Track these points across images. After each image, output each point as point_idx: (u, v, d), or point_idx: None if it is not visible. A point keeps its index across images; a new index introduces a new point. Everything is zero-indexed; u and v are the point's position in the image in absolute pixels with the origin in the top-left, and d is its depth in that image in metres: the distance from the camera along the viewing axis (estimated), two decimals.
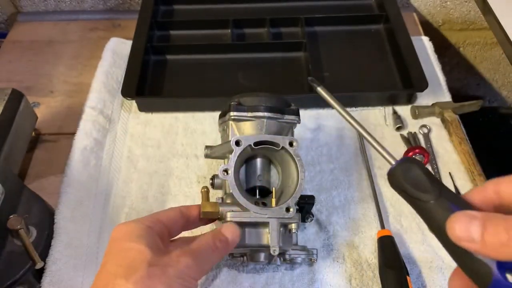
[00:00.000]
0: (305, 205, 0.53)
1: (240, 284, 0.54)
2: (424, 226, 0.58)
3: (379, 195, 0.61)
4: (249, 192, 0.51)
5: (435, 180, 0.30)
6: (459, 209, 0.28)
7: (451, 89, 0.75)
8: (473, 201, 0.29)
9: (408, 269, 0.53)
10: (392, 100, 0.72)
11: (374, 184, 0.62)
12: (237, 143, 0.48)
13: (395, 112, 0.71)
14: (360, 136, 0.67)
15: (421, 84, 0.69)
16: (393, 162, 0.32)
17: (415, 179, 0.30)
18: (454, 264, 0.57)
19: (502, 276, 0.26)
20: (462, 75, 1.12)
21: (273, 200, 0.48)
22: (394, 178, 0.31)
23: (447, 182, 0.63)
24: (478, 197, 0.29)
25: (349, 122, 0.40)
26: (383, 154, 0.35)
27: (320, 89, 0.44)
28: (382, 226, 0.58)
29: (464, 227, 0.26)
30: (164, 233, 0.43)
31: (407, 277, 0.51)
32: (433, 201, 0.29)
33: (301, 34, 0.81)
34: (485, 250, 0.26)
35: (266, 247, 0.47)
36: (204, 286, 0.54)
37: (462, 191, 0.62)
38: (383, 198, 0.61)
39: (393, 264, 0.52)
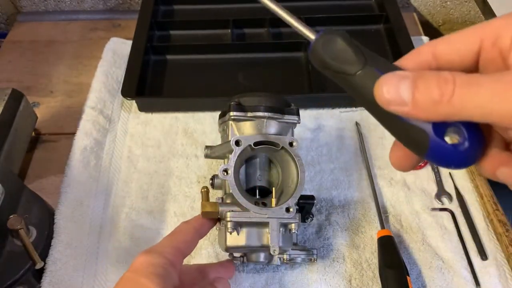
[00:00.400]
0: (305, 205, 0.53)
1: (240, 284, 0.54)
2: (424, 226, 0.58)
3: (379, 195, 0.61)
4: (249, 192, 0.51)
5: (359, 49, 0.26)
6: None
7: None
8: (407, 67, 0.27)
9: (408, 269, 0.53)
10: None
11: (374, 184, 0.62)
12: (237, 143, 0.48)
13: None
14: (360, 136, 0.67)
15: None
16: (312, 38, 0.28)
17: (338, 51, 0.26)
18: (454, 264, 0.57)
19: (440, 138, 0.24)
20: None
21: (273, 200, 0.48)
22: (315, 55, 0.27)
23: (447, 182, 0.63)
24: (412, 63, 0.27)
25: (277, 13, 0.36)
26: (302, 31, 0.30)
27: None
28: (382, 226, 0.58)
29: (393, 89, 0.24)
30: (181, 261, 0.43)
31: (407, 277, 0.51)
32: (360, 71, 0.26)
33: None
34: (417, 111, 0.23)
35: (266, 247, 0.47)
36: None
37: (462, 191, 0.62)
38: (383, 198, 0.61)
39: (393, 264, 0.52)
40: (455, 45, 0.26)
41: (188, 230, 0.46)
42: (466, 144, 0.24)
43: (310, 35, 0.29)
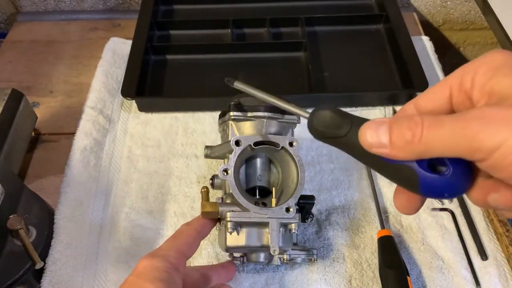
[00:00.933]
0: (305, 205, 0.53)
1: (240, 284, 0.54)
2: (424, 226, 0.58)
3: (379, 195, 0.61)
4: (249, 192, 0.51)
5: (345, 115, 0.31)
6: None
7: None
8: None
9: (408, 269, 0.53)
10: (392, 100, 0.72)
11: (374, 184, 0.62)
12: (237, 143, 0.48)
13: (395, 112, 0.71)
14: None
15: (421, 84, 0.69)
16: (307, 116, 0.34)
17: (328, 121, 0.31)
18: (454, 264, 0.57)
19: (424, 170, 0.27)
20: None
21: (273, 200, 0.48)
22: (312, 128, 0.33)
23: None
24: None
25: (274, 103, 0.41)
26: (297, 113, 0.37)
27: (236, 83, 0.44)
28: (382, 226, 0.58)
29: (374, 133, 0.27)
30: (184, 264, 0.43)
31: (407, 277, 0.51)
32: (349, 132, 0.30)
33: (301, 34, 0.81)
34: (395, 151, 0.27)
35: (266, 247, 0.47)
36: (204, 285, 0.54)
37: None
38: (383, 198, 0.61)
39: (393, 264, 0.52)
40: (431, 96, 0.30)
41: (189, 232, 0.46)
42: (451, 171, 0.26)
43: (304, 114, 0.34)
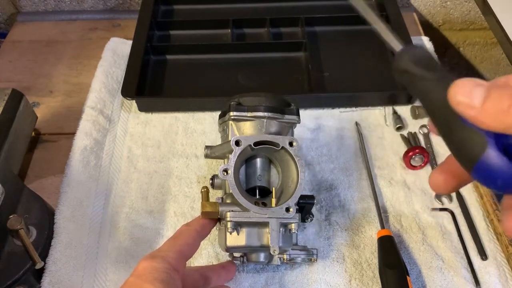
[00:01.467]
0: (305, 205, 0.53)
1: (240, 284, 0.54)
2: (424, 226, 0.58)
3: (379, 195, 0.61)
4: (249, 192, 0.51)
5: (437, 63, 0.30)
6: None
7: None
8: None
9: (408, 269, 0.53)
10: (392, 100, 0.72)
11: (374, 184, 0.62)
12: (237, 143, 0.48)
13: (395, 112, 0.71)
14: (360, 136, 0.68)
15: None
16: (399, 47, 0.31)
17: (423, 59, 0.29)
18: (454, 264, 0.57)
19: (497, 148, 0.24)
20: (462, 75, 1.10)
21: (273, 200, 0.48)
22: (401, 59, 0.30)
23: None
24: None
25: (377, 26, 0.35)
26: (391, 39, 0.32)
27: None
28: (382, 226, 0.58)
29: (467, 91, 0.25)
30: (184, 265, 0.44)
31: (407, 277, 0.51)
32: (437, 78, 0.28)
33: (301, 34, 0.81)
34: (483, 116, 0.24)
35: (266, 247, 0.47)
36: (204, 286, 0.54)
37: (462, 191, 0.62)
38: (383, 198, 0.61)
39: (393, 264, 0.52)
40: None
41: (189, 232, 0.46)
42: None
43: (397, 45, 0.31)
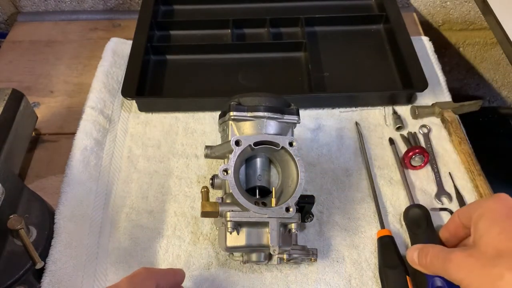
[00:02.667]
0: (305, 205, 0.53)
1: (240, 284, 0.54)
2: None
3: (378, 195, 0.61)
4: (249, 192, 0.51)
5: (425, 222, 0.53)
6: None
7: (451, 89, 0.75)
8: (449, 229, 0.47)
9: (408, 269, 0.53)
10: (392, 100, 0.72)
11: (374, 184, 0.62)
12: (237, 143, 0.48)
13: (395, 112, 0.71)
14: (360, 136, 0.68)
15: (421, 84, 0.69)
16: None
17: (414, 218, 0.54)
18: None
19: (431, 282, 0.47)
20: (462, 75, 1.12)
21: (273, 200, 0.48)
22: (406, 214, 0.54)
23: (447, 182, 0.63)
24: (451, 226, 0.46)
25: None
26: None
27: None
28: (382, 226, 0.58)
29: (411, 254, 0.44)
30: None
31: (407, 277, 0.51)
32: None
33: (301, 34, 0.81)
34: (421, 268, 0.43)
35: (266, 247, 0.47)
36: (203, 286, 0.54)
37: (462, 191, 0.62)
38: (383, 198, 0.61)
39: (393, 264, 0.52)
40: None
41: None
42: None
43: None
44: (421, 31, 0.87)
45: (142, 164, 0.65)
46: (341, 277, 0.54)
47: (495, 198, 0.41)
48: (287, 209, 0.47)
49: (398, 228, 0.59)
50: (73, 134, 0.67)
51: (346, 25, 0.83)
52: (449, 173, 0.64)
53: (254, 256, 0.51)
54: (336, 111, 0.71)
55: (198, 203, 0.61)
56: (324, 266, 0.55)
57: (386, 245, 0.55)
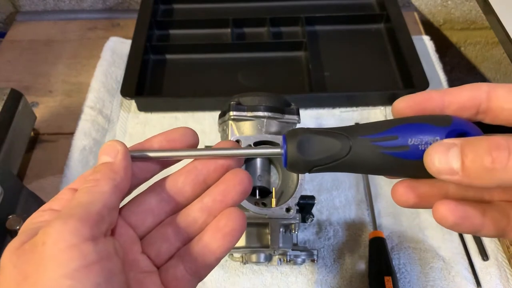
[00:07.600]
0: (306, 206, 0.52)
1: (240, 285, 0.54)
2: (425, 226, 0.58)
3: (378, 195, 0.61)
4: None
5: (334, 131, 0.26)
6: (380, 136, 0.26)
7: None
8: (407, 105, 0.30)
9: (408, 269, 0.53)
10: (393, 100, 0.71)
11: (371, 184, 0.62)
12: (237, 143, 0.48)
13: None
14: None
15: (422, 83, 0.69)
16: (281, 149, 0.26)
17: (317, 145, 0.26)
18: (455, 265, 0.57)
19: None
20: (463, 74, 1.11)
21: (273, 201, 0.48)
22: (297, 162, 0.26)
23: None
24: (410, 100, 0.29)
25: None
26: (266, 153, 0.28)
27: None
28: (375, 228, 0.57)
29: (443, 158, 0.23)
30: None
31: (388, 277, 0.50)
32: (350, 150, 0.26)
33: (301, 34, 0.81)
34: (469, 179, 0.22)
35: (266, 248, 0.47)
36: (203, 286, 0.54)
37: None
38: (383, 198, 0.61)
39: (380, 268, 0.52)
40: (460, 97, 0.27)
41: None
42: None
43: (277, 150, 0.27)
44: (422, 30, 0.87)
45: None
46: (342, 277, 0.54)
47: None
48: (288, 210, 0.47)
49: (399, 228, 0.58)
50: (72, 134, 0.67)
51: (347, 24, 0.83)
52: None
53: (254, 257, 0.50)
54: (337, 111, 0.71)
55: None
56: (325, 266, 0.55)
57: (375, 247, 0.54)
